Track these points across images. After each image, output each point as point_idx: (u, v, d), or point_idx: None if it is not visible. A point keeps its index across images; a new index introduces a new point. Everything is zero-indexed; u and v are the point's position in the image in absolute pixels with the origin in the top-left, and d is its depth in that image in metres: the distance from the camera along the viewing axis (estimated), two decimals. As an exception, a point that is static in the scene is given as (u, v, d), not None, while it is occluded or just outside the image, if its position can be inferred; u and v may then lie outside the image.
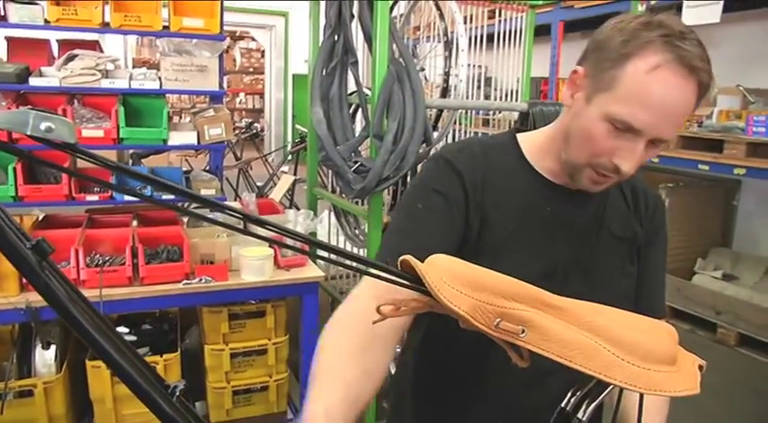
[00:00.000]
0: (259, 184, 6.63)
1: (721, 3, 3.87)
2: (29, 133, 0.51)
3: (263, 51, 11.75)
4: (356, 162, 2.55)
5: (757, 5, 4.74)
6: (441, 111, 3.12)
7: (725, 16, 4.04)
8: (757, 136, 4.03)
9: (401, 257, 0.71)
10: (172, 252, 2.56)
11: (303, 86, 2.81)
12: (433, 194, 1.12)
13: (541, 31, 5.27)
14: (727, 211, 5.30)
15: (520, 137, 1.20)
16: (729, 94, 4.60)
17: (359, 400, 0.90)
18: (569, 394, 0.84)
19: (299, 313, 2.78)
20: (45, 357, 2.46)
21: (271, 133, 10.70)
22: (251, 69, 13.97)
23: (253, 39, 12.55)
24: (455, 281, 0.69)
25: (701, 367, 0.77)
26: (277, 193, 4.34)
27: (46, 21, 2.81)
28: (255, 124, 7.84)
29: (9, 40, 3.16)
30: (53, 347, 2.47)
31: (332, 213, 3.57)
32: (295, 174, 6.05)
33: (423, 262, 0.71)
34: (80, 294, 0.59)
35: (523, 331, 0.70)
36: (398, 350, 1.40)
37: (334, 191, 3.32)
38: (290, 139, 9.68)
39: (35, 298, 2.25)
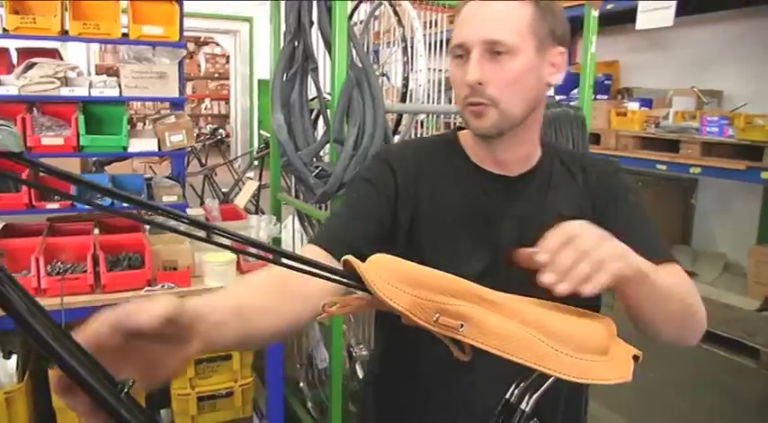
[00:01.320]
0: (224, 190, 6.58)
1: (673, 7, 3.96)
2: (-28, 143, 0.53)
3: (228, 57, 11.69)
4: (317, 167, 2.57)
5: (708, 9, 4.88)
6: (401, 115, 3.16)
7: (678, 20, 4.14)
8: (711, 136, 4.14)
9: (344, 258, 0.74)
10: (134, 259, 2.55)
11: (268, 92, 2.82)
12: (365, 184, 1.20)
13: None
14: (685, 209, 5.42)
15: (461, 132, 1.25)
16: (684, 96, 4.72)
17: (240, 319, 0.83)
18: (513, 386, 0.88)
19: (263, 318, 2.78)
20: (6, 367, 2.43)
21: (236, 139, 10.65)
22: (216, 75, 13.86)
23: (217, 44, 12.48)
24: (394, 278, 0.72)
25: (636, 357, 0.81)
26: (242, 199, 4.35)
27: (4, 29, 2.79)
28: (220, 130, 7.80)
29: (-33, 49, 3.13)
30: (14, 357, 2.45)
31: (296, 218, 3.58)
32: (260, 179, 6.03)
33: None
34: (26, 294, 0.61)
35: (462, 326, 0.73)
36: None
37: (297, 196, 3.33)
38: (255, 144, 9.64)
39: (-6, 308, 2.23)
